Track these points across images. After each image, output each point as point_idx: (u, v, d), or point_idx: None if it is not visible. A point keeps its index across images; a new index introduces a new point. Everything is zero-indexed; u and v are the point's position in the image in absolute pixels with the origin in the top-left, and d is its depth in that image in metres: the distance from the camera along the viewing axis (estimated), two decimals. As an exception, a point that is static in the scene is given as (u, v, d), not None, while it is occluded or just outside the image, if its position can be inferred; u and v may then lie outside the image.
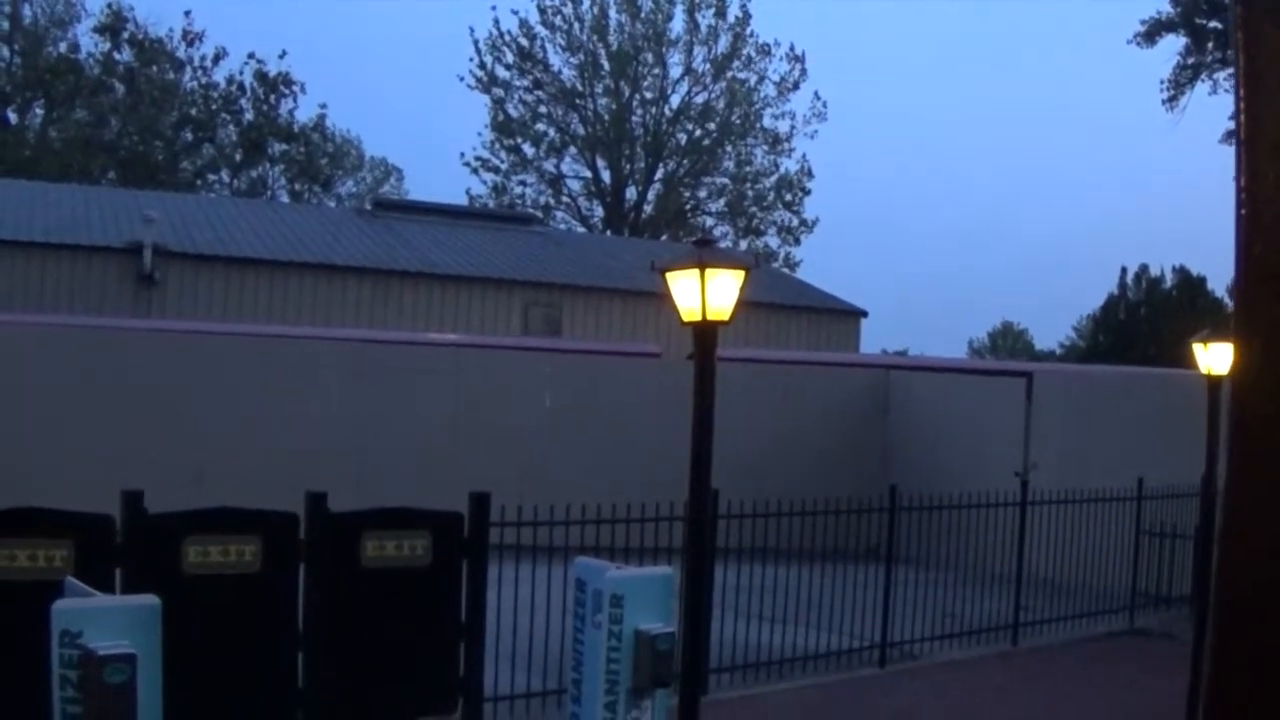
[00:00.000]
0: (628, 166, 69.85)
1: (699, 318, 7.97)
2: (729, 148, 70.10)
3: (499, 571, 12.63)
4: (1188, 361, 14.16)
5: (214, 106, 66.25)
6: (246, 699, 10.95)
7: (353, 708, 11.60)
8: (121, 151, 64.02)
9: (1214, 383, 13.40)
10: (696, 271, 7.91)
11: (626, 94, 68.62)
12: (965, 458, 24.13)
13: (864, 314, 44.66)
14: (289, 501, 11.43)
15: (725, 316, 7.99)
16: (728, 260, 8.12)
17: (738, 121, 68.99)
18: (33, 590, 8.72)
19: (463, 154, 70.53)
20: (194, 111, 65.97)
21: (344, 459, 21.79)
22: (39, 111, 65.35)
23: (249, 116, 66.74)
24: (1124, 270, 53.39)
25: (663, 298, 8.35)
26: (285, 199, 66.67)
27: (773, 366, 28.52)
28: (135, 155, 63.82)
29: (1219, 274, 58.66)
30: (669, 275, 8.11)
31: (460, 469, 20.26)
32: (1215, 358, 13.30)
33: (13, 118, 64.69)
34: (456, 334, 33.79)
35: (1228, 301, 48.72)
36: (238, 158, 67.64)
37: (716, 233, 67.08)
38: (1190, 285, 51.63)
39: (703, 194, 71.61)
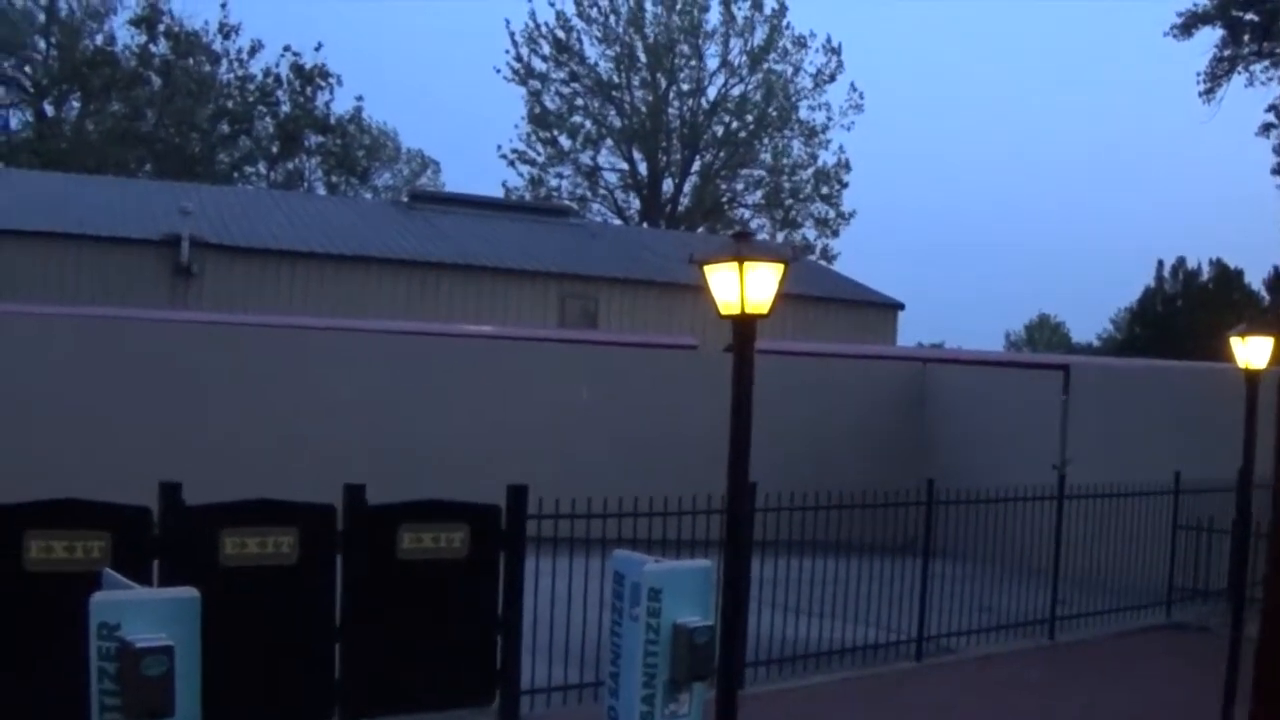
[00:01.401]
0: (664, 159, 69.86)
1: (737, 311, 7.93)
2: (765, 140, 70.10)
3: (536, 564, 12.64)
4: (1224, 355, 14.06)
5: (250, 99, 66.47)
6: (284, 690, 10.98)
7: (389, 699, 11.62)
8: (158, 144, 64.22)
9: (1252, 376, 13.31)
10: (735, 265, 7.86)
11: (663, 86, 68.63)
12: (1002, 451, 24.05)
13: (901, 306, 44.59)
14: (326, 493, 11.45)
15: (764, 310, 7.94)
16: (767, 253, 8.06)
17: (774, 114, 68.95)
18: (71, 582, 8.75)
19: (499, 146, 70.76)
20: (230, 104, 66.19)
21: (381, 451, 21.79)
22: (75, 104, 65.64)
23: (285, 109, 66.99)
24: (1160, 263, 53.28)
25: (699, 289, 8.31)
26: (322, 191, 66.92)
27: (810, 359, 28.45)
28: (171, 148, 64.02)
29: (1256, 267, 58.41)
30: (707, 268, 8.07)
31: (497, 461, 20.26)
32: (1253, 351, 13.21)
33: (49, 110, 64.94)
34: (493, 326, 33.81)
35: (1264, 294, 48.60)
36: (274, 150, 67.79)
37: (753, 225, 67.12)
38: (1227, 278, 51.45)
39: (739, 186, 71.72)
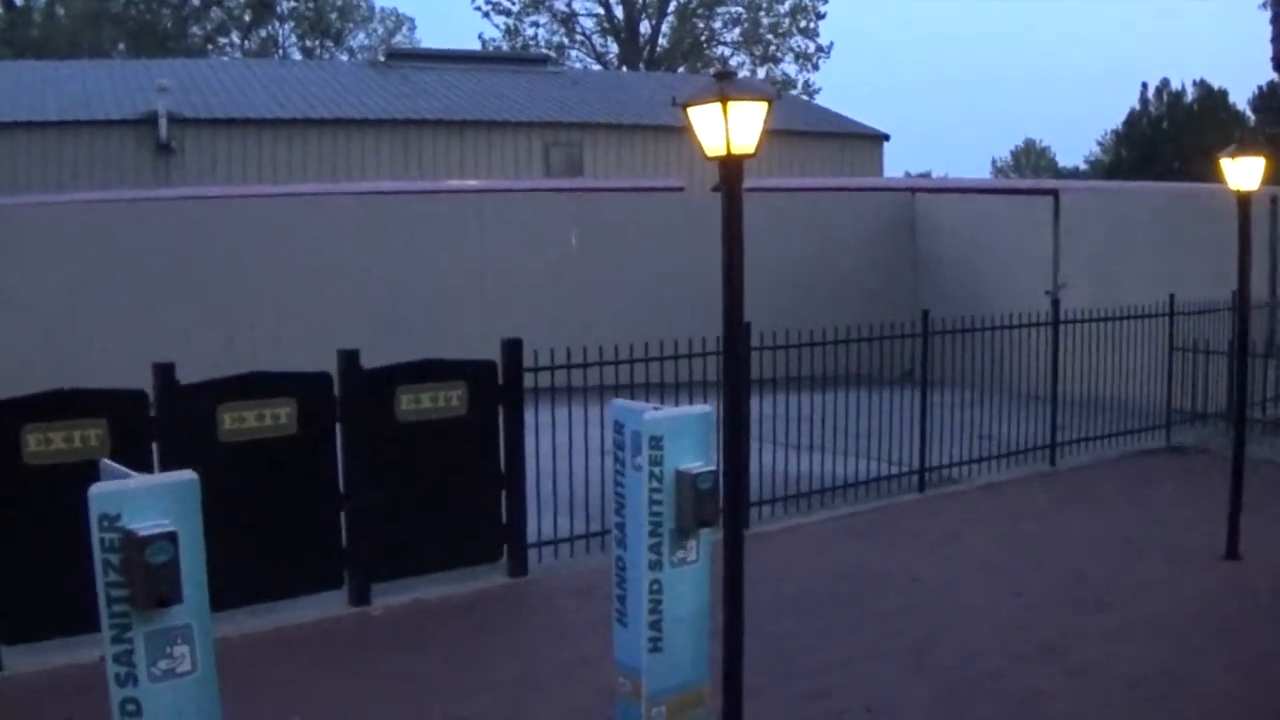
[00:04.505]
0: (640, 1, 69.20)
1: (724, 153, 7.83)
2: (741, -26, 69.51)
3: (535, 416, 12.66)
4: (1213, 175, 13.91)
5: (218, -32, 65.82)
6: (292, 561, 11.03)
7: (398, 562, 11.69)
8: (129, 22, 63.59)
9: (1243, 198, 13.20)
10: (719, 105, 7.73)
11: (635, -76, 67.90)
12: (995, 278, 24.00)
13: (886, 137, 44.32)
14: (323, 360, 11.43)
15: (750, 150, 7.81)
16: (750, 92, 7.92)
17: (748, -54, 68.35)
18: (71, 472, 8.74)
19: (473, -2, 70.09)
20: (199, -25, 65.54)
21: (374, 314, 21.77)
22: (45, -10, 64.91)
23: (255, -24, 66.33)
24: (1145, 85, 53.19)
25: (683, 131, 8.18)
26: (297, 57, 66.34)
27: (797, 194, 28.30)
28: (143, 25, 63.43)
29: (1239, 86, 58.18)
30: (690, 110, 7.95)
31: (490, 315, 20.26)
32: (1244, 173, 13.06)
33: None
34: (478, 180, 33.64)
35: (1249, 114, 48.50)
36: (247, 19, 67.16)
37: (733, 62, 66.69)
38: (1212, 99, 51.44)
39: (717, 24, 71.10)
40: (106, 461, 6.50)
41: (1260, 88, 49.21)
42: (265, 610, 10.83)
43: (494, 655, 10.41)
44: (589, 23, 70.30)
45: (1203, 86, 52.11)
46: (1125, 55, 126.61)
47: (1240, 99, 52.24)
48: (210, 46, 65.82)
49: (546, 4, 69.14)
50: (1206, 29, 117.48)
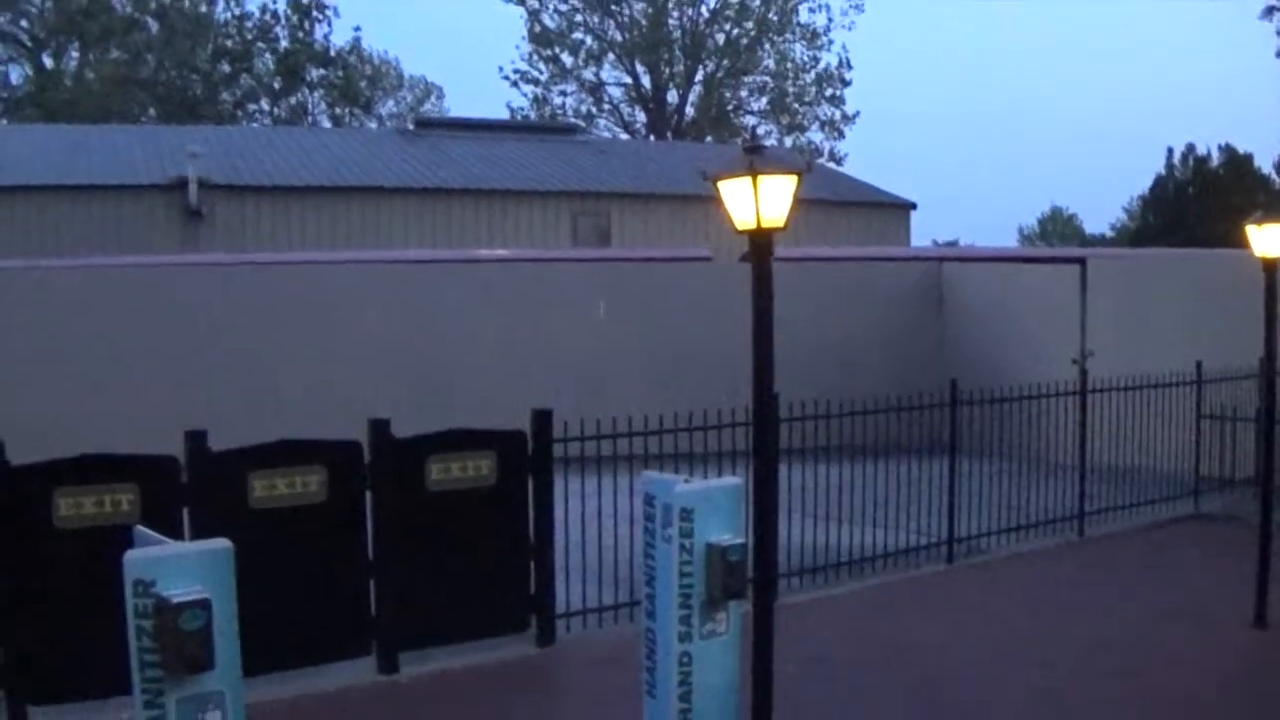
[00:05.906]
0: (667, 70, 69.55)
1: (753, 226, 7.86)
2: (767, 45, 69.70)
3: (564, 486, 12.66)
4: (1239, 240, 13.92)
5: (249, 36, 66.21)
6: (320, 628, 11.03)
7: (426, 631, 11.67)
8: (159, 88, 64.00)
9: (1269, 265, 13.21)
10: (749, 179, 7.78)
11: (662, -4, 68.26)
12: (1022, 347, 23.98)
13: (913, 206, 44.37)
14: (351, 429, 11.46)
15: (780, 224, 7.85)
16: (780, 165, 7.96)
17: (775, 18, 68.57)
18: (102, 536, 8.79)
19: (501, 68, 70.63)
20: (229, 43, 65.93)
21: (403, 383, 21.78)
22: (74, 54, 65.22)
23: (285, 44, 66.70)
24: (1170, 150, 53.30)
25: (711, 201, 8.21)
26: (327, 124, 66.67)
27: (824, 264, 28.33)
28: (173, 91, 63.80)
29: (1265, 150, 58.19)
30: (720, 183, 7.99)
31: (518, 385, 20.24)
32: (1270, 240, 13.08)
33: (49, 62, 64.62)
34: (506, 249, 33.72)
35: (1275, 178, 48.52)
36: (276, 86, 67.53)
37: (759, 131, 66.70)
38: (1237, 163, 51.47)
39: (744, 93, 71.38)
40: (140, 528, 6.55)
41: (1284, 149, 49.36)
42: (294, 676, 10.84)
43: (521, 724, 10.41)
44: (617, 92, 70.72)
45: (1228, 151, 52.20)
46: (1152, 119, 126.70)
47: (1265, 162, 52.36)
48: (240, 113, 66.16)
49: (574, 74, 69.50)
50: (1231, 90, 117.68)
